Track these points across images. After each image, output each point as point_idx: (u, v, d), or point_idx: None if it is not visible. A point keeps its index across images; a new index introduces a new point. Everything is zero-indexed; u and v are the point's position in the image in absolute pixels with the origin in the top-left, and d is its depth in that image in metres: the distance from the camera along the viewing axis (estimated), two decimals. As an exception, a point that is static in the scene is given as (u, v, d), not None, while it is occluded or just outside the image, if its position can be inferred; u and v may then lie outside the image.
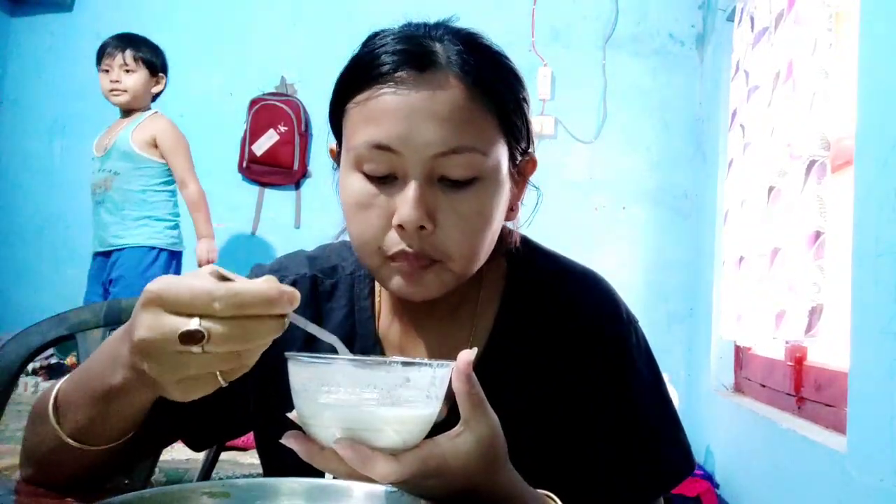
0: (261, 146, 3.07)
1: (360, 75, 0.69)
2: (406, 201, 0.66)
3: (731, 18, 2.49)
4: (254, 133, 3.08)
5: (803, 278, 1.57)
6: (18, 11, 3.28)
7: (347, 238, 0.82)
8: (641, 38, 3.03)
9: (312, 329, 0.56)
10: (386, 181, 0.68)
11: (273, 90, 3.13)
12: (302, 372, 0.53)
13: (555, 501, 0.65)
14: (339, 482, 0.59)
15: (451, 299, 0.77)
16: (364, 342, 0.79)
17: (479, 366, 0.58)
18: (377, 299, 0.81)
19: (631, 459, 0.77)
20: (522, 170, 0.77)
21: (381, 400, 0.52)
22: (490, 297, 0.80)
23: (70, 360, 2.75)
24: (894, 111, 1.20)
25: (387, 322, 0.80)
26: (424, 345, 0.78)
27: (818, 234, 1.54)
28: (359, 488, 0.58)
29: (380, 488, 0.58)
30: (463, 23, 0.74)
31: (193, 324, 0.49)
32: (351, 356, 0.55)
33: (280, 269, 0.83)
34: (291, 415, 0.56)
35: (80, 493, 0.68)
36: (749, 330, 2.00)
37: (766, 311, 1.79)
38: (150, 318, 0.51)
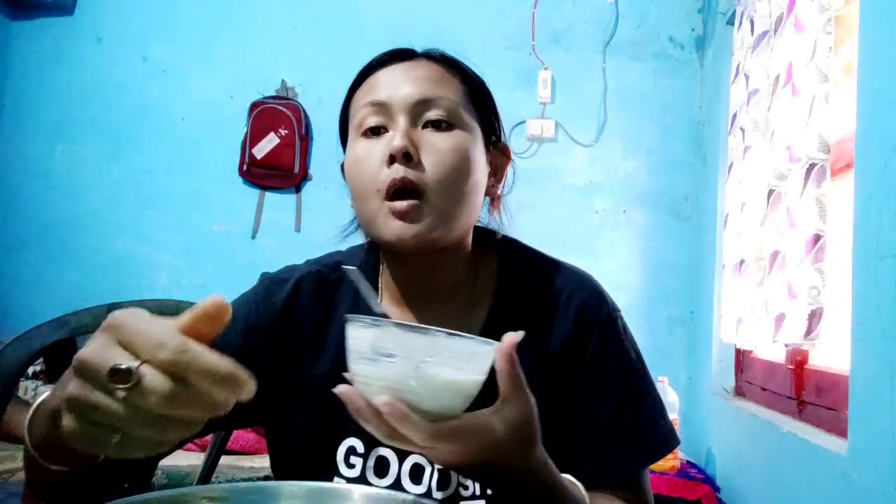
0: (261, 149, 3.08)
1: (358, 78, 0.87)
2: (395, 136, 0.80)
3: (730, 22, 2.50)
4: (254, 136, 3.08)
5: (803, 282, 1.56)
6: (19, 15, 3.29)
7: (349, 243, 0.96)
8: (641, 41, 3.03)
9: (365, 292, 0.67)
10: (380, 134, 0.82)
11: (274, 93, 3.14)
12: (357, 333, 0.58)
13: (577, 487, 0.70)
14: (340, 486, 0.59)
15: (451, 280, 0.87)
16: None
17: None
18: (381, 291, 0.90)
19: (624, 433, 0.83)
20: (497, 157, 0.90)
21: (424, 365, 0.56)
22: (484, 288, 0.89)
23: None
24: (894, 114, 1.20)
25: (388, 312, 0.86)
26: None
27: (818, 238, 1.54)
28: (358, 491, 0.59)
29: (380, 492, 0.58)
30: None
31: (131, 363, 0.46)
32: (400, 321, 0.60)
33: (286, 272, 0.92)
34: (348, 374, 0.59)
35: (80, 496, 0.68)
36: (749, 333, 2.00)
37: (767, 314, 1.79)
38: (101, 341, 0.48)
